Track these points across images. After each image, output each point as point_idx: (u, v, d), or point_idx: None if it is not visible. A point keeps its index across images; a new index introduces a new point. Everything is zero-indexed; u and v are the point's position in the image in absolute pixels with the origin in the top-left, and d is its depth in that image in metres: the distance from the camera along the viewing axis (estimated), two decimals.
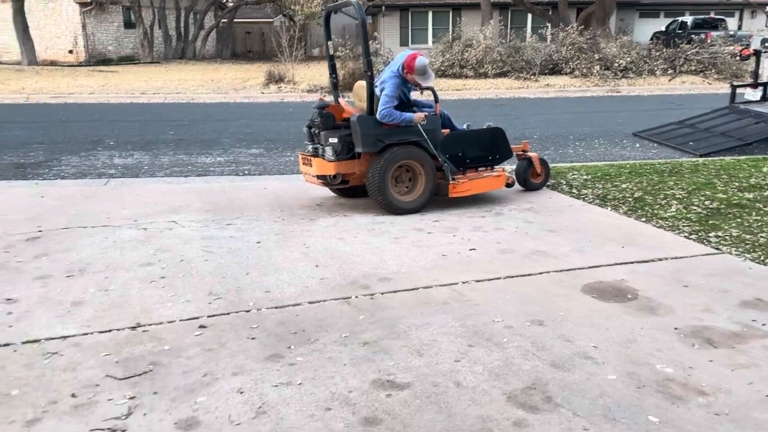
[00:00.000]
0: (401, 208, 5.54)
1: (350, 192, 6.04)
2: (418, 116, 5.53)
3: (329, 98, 6.09)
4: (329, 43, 6.13)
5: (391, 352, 3.04)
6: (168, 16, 31.09)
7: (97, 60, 28.33)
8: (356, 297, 3.71)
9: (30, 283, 3.93)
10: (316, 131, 5.67)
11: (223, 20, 33.40)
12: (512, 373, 2.84)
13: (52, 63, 26.66)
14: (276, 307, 3.56)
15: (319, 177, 5.65)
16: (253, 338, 3.18)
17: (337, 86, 6.20)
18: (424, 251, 4.54)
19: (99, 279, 4.00)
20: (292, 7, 24.65)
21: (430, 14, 27.92)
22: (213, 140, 10.14)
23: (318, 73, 20.79)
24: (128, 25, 30.75)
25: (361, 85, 5.73)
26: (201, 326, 3.32)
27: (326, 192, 6.31)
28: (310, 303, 3.62)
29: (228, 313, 3.49)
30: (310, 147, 5.74)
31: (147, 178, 7.44)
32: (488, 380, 2.78)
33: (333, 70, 6.21)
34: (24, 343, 3.14)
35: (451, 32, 23.56)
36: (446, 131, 5.92)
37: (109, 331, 3.28)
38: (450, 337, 3.20)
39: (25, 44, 25.08)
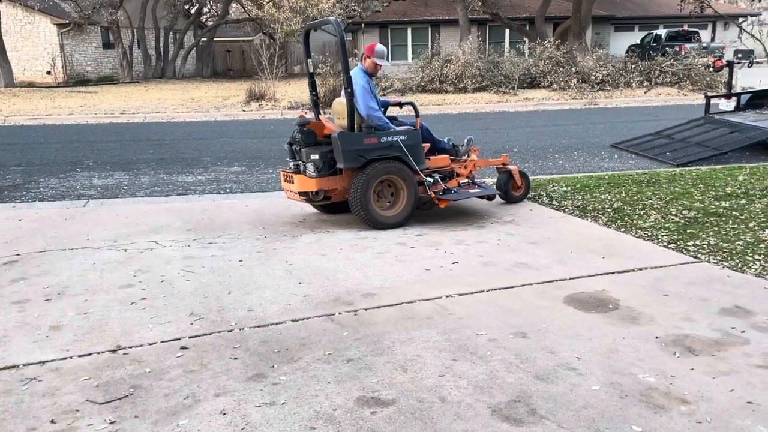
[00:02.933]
0: (384, 223, 5.55)
1: (333, 208, 6.04)
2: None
3: (310, 115, 6.10)
4: (309, 60, 6.13)
5: (376, 368, 3.03)
6: (147, 35, 31.05)
7: (76, 81, 28.15)
8: (340, 314, 3.70)
9: (7, 308, 3.86)
10: (298, 148, 5.69)
11: (202, 39, 33.40)
12: (496, 386, 2.84)
13: (30, 84, 26.43)
14: (259, 326, 3.54)
15: (301, 193, 5.64)
16: (235, 358, 3.15)
17: (317, 103, 6.17)
18: (408, 266, 4.54)
19: (78, 302, 3.94)
20: (272, 25, 24.67)
21: (409, 31, 28.16)
22: (194, 159, 10.10)
23: (299, 90, 20.85)
24: (107, 45, 30.65)
25: (340, 101, 5.73)
26: (182, 347, 3.29)
27: (309, 208, 6.30)
28: (294, 321, 3.60)
29: (210, 334, 3.46)
30: (291, 164, 5.75)
31: (127, 198, 7.37)
32: (473, 394, 2.78)
33: (313, 87, 6.21)
34: (1, 369, 3.08)
35: (430, 48, 23.83)
36: (426, 145, 5.95)
37: (89, 354, 3.23)
38: (434, 351, 3.19)
39: (2, 66, 24.86)
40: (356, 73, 5.67)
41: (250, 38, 37.23)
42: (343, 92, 5.61)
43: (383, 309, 3.77)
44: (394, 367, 3.04)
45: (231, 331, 3.48)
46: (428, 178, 5.74)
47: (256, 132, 13.70)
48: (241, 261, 4.71)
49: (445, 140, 6.28)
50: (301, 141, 5.59)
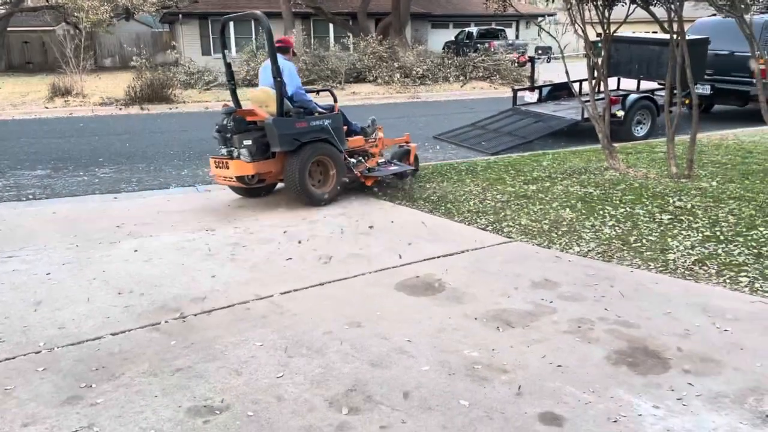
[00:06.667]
0: (320, 200, 6.02)
1: (253, 191, 6.38)
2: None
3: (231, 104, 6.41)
4: (225, 51, 6.67)
5: (207, 375, 2.89)
6: None
7: None
8: (166, 322, 3.48)
9: None
10: (229, 135, 5.92)
11: None
12: (333, 378, 2.85)
13: None
14: (72, 344, 3.21)
15: (238, 178, 5.94)
16: (45, 382, 2.83)
17: (235, 92, 6.55)
18: (240, 265, 4.41)
19: None
20: (76, 14, 22.51)
21: (232, 24, 27.31)
22: None
23: (111, 85, 19.28)
24: None
25: (264, 90, 6.07)
26: None
27: (128, 213, 5.87)
28: (113, 335, 3.32)
29: (13, 358, 3.07)
30: (223, 150, 5.99)
31: None
32: (310, 389, 2.76)
33: (231, 77, 6.62)
34: None
35: (254, 41, 23.29)
36: (345, 127, 6.41)
37: None
38: (269, 350, 3.13)
39: None
40: (282, 61, 6.00)
41: (52, 28, 33.71)
42: (261, 81, 6.29)
43: (214, 312, 3.61)
44: (228, 371, 2.93)
45: (39, 352, 3.13)
46: (352, 159, 6.31)
47: (63, 131, 12.45)
48: (48, 274, 4.24)
49: (370, 121, 6.89)
50: (233, 128, 5.86)
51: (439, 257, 4.52)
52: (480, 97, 19.32)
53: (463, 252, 4.63)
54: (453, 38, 30.18)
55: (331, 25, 27.42)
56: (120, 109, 15.77)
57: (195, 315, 3.57)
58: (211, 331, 3.36)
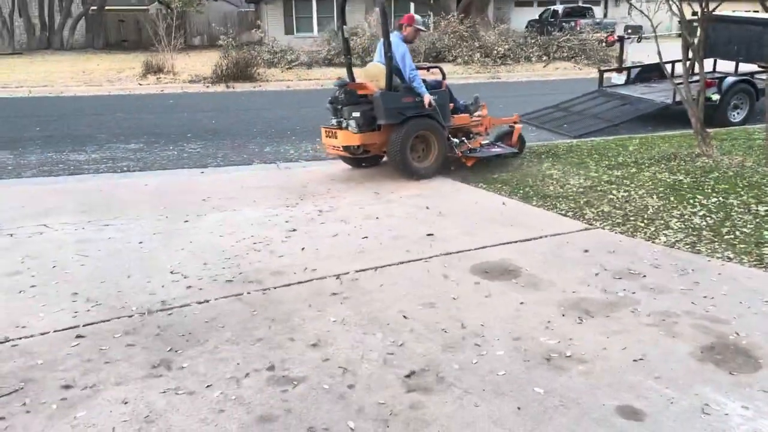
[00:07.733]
0: (418, 174, 6.23)
1: (361, 162, 6.75)
2: (427, 99, 6.14)
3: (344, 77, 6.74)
4: (344, 27, 6.85)
5: (286, 346, 2.99)
6: (29, 3, 28.63)
7: None
8: (248, 293, 3.62)
9: None
10: (339, 106, 6.20)
11: (92, 7, 31.21)
12: (406, 357, 2.88)
13: None
14: (162, 310, 3.39)
15: (344, 147, 6.27)
16: (137, 345, 3.01)
17: (351, 66, 6.85)
18: (317, 242, 4.50)
19: None
20: None
21: (314, 2, 27.61)
22: (86, 136, 9.48)
23: (200, 63, 19.98)
24: None
25: (376, 65, 6.34)
26: (78, 336, 3.10)
27: (214, 187, 6.11)
28: (199, 303, 3.49)
29: (108, 320, 3.28)
30: (334, 121, 6.30)
31: (11, 179, 6.82)
32: (383, 366, 2.80)
33: (348, 51, 6.99)
34: None
35: (336, 21, 23.47)
36: (451, 105, 6.59)
37: None
38: (345, 326, 3.19)
39: None
40: (396, 41, 6.15)
41: (146, 7, 35.18)
42: (376, 57, 6.45)
43: (293, 286, 3.72)
44: (305, 344, 3.01)
45: (131, 316, 3.32)
46: (455, 139, 6.49)
47: (155, 107, 13.05)
48: (141, 243, 4.49)
49: (474, 98, 7.07)
50: (344, 100, 6.13)
51: (516, 242, 4.45)
52: (563, 78, 18.70)
53: (541, 237, 4.54)
54: (537, 17, 29.26)
55: (411, 4, 27.20)
56: (207, 86, 16.34)
57: (274, 288, 3.69)
58: (290, 305, 3.46)
